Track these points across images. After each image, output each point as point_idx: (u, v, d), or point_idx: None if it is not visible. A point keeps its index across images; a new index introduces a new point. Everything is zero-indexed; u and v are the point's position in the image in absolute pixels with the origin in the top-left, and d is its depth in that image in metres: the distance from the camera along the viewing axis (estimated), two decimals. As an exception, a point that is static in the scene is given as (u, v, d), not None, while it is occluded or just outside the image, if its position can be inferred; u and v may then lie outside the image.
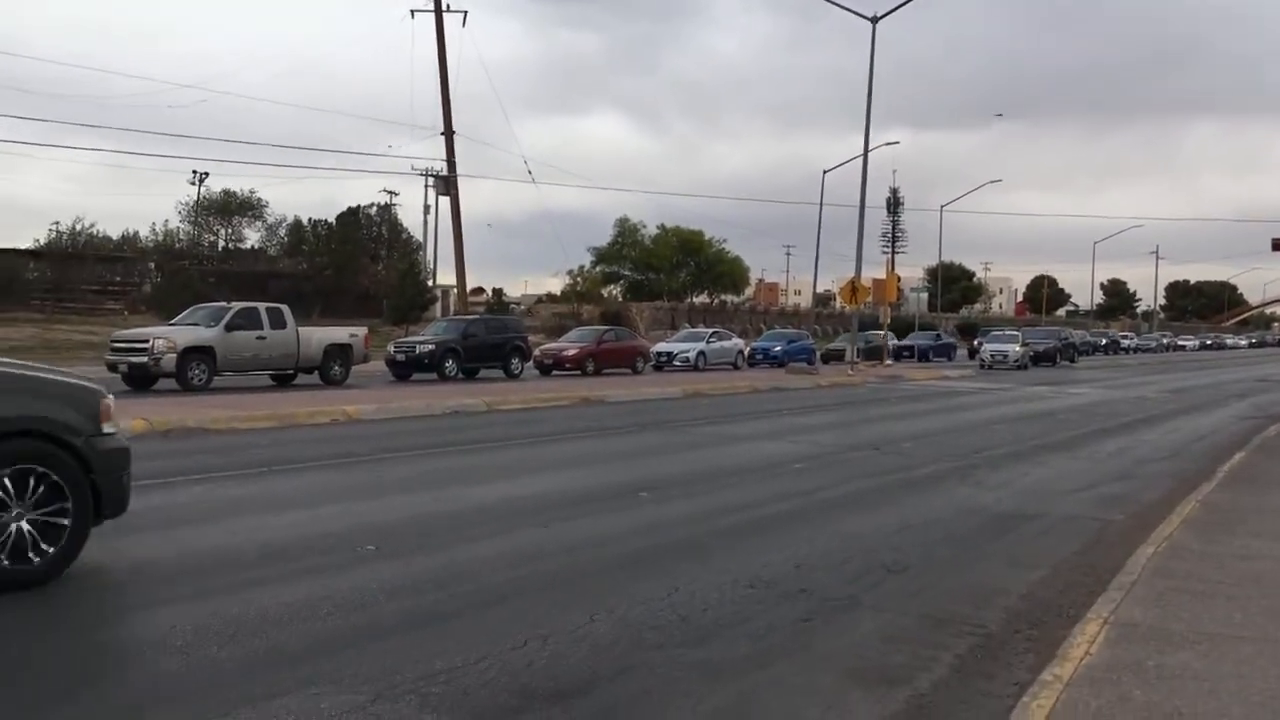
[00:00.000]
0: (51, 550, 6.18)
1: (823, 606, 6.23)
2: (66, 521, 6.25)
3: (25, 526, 6.08)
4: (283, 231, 69.07)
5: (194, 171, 64.09)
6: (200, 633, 5.37)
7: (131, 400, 17.82)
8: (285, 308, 24.23)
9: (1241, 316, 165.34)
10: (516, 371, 30.34)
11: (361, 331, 26.36)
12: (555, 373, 31.65)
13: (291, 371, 24.12)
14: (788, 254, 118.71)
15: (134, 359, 21.39)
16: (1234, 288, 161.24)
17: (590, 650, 5.32)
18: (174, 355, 21.01)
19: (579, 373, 31.43)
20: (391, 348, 29.40)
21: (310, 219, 69.38)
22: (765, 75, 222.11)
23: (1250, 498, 9.65)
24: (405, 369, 28.21)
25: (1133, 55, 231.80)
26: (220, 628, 5.46)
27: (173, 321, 24.51)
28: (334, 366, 24.43)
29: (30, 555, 6.09)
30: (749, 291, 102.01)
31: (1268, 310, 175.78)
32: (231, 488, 10.03)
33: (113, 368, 21.68)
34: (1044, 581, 7.03)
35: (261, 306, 23.86)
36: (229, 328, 22.33)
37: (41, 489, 6.16)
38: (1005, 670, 5.23)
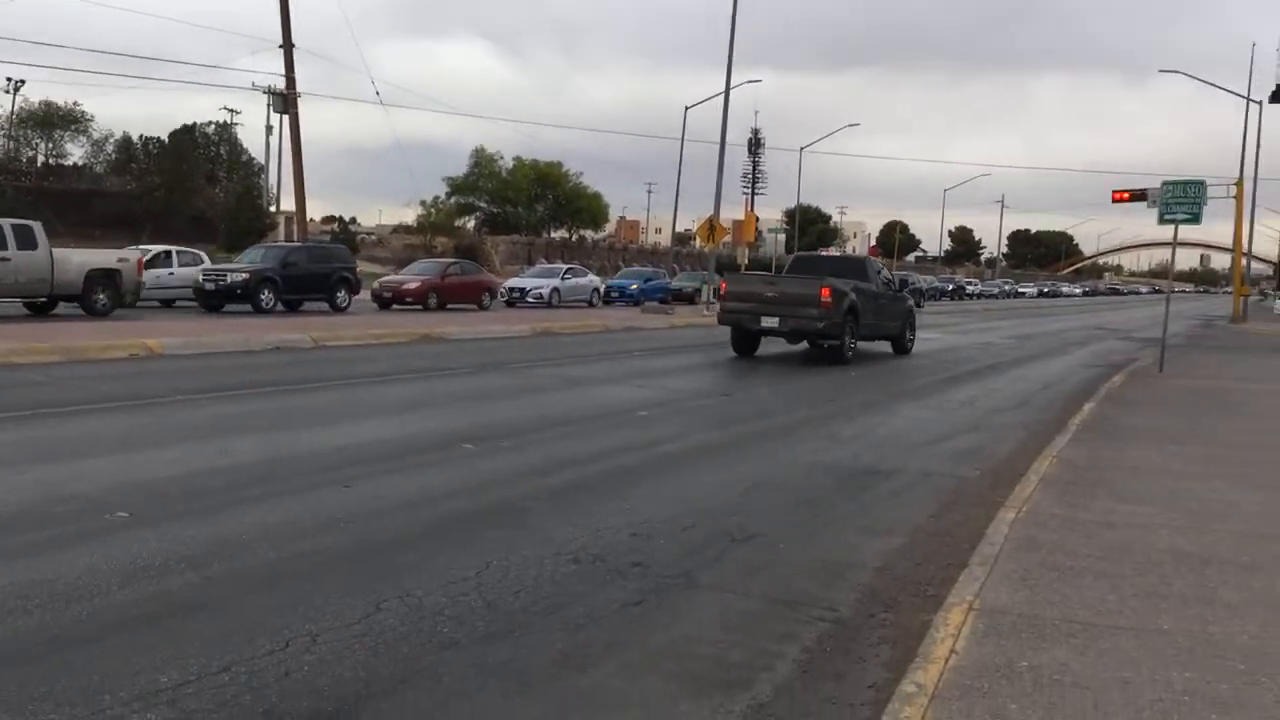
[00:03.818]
0: None
1: (657, 585, 5.39)
2: None
3: None
4: (110, 148, 64.17)
5: (8, 79, 58.88)
6: None
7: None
8: (37, 224, 21.07)
9: (1076, 266, 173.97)
10: (342, 304, 28.44)
11: (133, 255, 23.40)
12: (395, 307, 30.04)
13: (45, 300, 21.23)
14: (649, 192, 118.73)
15: None
16: (1071, 238, 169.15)
17: (369, 652, 4.33)
18: None
19: (420, 308, 29.89)
20: (200, 275, 26.62)
21: (141, 135, 64.81)
22: (632, 9, 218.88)
23: (1107, 452, 9.28)
24: (216, 299, 25.94)
25: (989, 7, 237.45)
26: (-117, 629, 4.24)
27: None
28: (98, 296, 21.44)
29: None
30: (609, 228, 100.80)
31: (1100, 260, 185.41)
32: (-19, 435, 8.56)
33: None
34: (900, 551, 6.36)
35: (6, 223, 20.54)
36: None
37: None
38: (858, 667, 4.49)
